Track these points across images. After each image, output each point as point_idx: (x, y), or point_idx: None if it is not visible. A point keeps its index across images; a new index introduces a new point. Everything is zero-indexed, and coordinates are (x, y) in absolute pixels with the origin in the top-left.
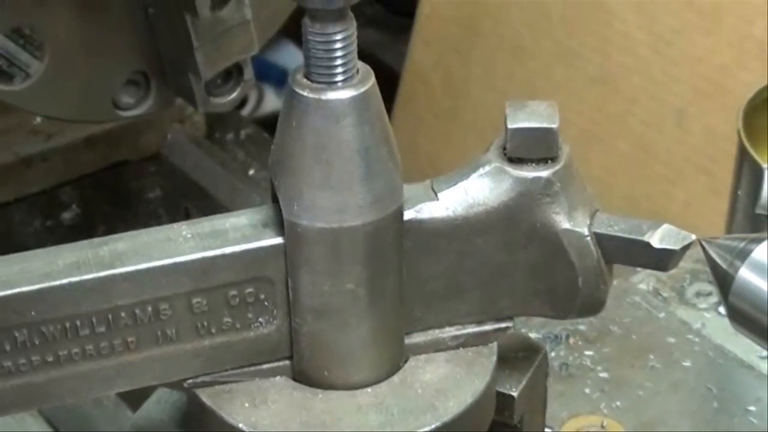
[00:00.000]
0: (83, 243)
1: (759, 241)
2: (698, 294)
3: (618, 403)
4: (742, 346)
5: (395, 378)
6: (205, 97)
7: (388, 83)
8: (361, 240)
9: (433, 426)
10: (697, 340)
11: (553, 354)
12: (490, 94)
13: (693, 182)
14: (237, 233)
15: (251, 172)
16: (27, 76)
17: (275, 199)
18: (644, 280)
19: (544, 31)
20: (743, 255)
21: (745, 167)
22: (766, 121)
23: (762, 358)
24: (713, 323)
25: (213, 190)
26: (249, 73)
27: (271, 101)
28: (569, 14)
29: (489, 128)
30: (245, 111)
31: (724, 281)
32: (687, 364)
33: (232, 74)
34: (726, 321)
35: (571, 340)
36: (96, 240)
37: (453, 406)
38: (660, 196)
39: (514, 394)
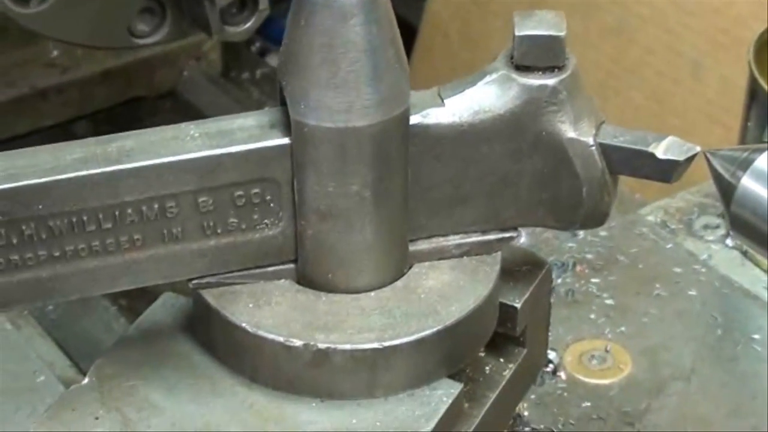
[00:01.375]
0: (91, 140)
1: (761, 150)
2: (706, 226)
3: (622, 329)
4: (748, 276)
5: (399, 283)
6: (220, 25)
7: (406, 38)
8: (366, 141)
9: (435, 329)
10: (703, 270)
11: (559, 281)
12: (508, 46)
13: (708, 134)
14: (244, 133)
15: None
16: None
17: (283, 102)
18: (653, 212)
19: None
20: (745, 164)
21: (755, 99)
22: None
23: (766, 288)
24: (720, 255)
25: None
26: (264, 2)
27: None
28: None
29: None
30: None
31: (726, 191)
32: (692, 293)
33: (246, 3)
34: (733, 252)
35: (578, 268)
36: (104, 137)
37: (455, 311)
38: None
39: (517, 305)
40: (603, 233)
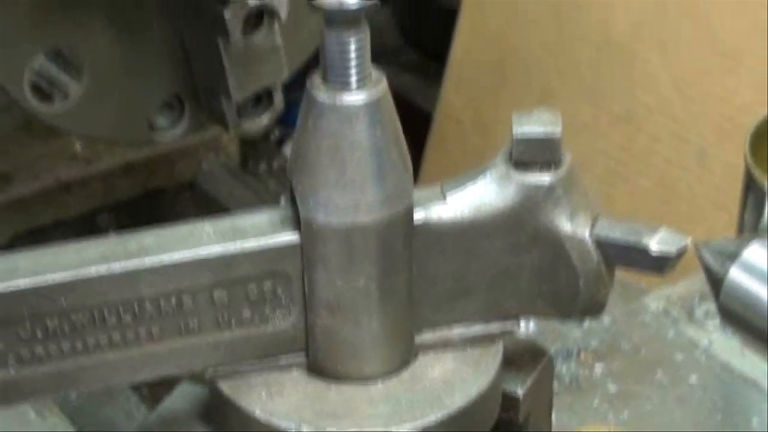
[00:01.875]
0: (112, 237)
1: (749, 242)
2: (707, 314)
3: (625, 415)
4: (748, 363)
5: (405, 372)
6: (236, 120)
7: (423, 126)
8: (372, 237)
9: (439, 417)
10: (703, 357)
11: (564, 368)
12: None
13: (714, 219)
14: (256, 230)
15: (283, 201)
16: (66, 97)
17: (293, 199)
18: (655, 300)
19: (571, 72)
20: (733, 256)
21: (751, 191)
22: None
23: (766, 375)
24: (720, 342)
25: None
26: (279, 98)
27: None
28: (595, 57)
29: None
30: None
31: (715, 282)
32: (693, 379)
33: (262, 99)
34: (733, 340)
35: (582, 356)
36: (124, 234)
37: (458, 400)
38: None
39: (519, 394)
40: (607, 321)
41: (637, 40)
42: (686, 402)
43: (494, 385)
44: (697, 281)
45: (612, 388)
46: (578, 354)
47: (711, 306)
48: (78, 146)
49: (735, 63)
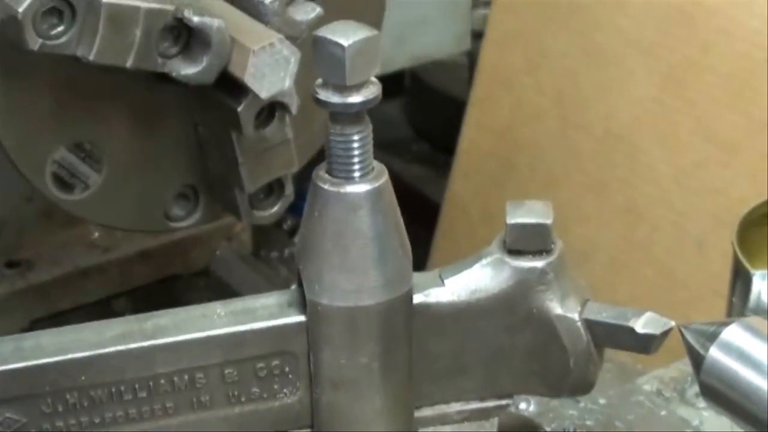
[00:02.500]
0: (129, 318)
1: (728, 324)
2: (698, 395)
3: None
4: None
5: None
6: (249, 210)
7: (432, 216)
8: (374, 318)
9: None
10: None
11: None
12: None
13: (712, 306)
14: (265, 311)
15: (294, 287)
16: (86, 187)
17: (300, 283)
18: (649, 381)
19: (574, 164)
20: (713, 337)
21: (738, 277)
22: (763, 235)
23: None
24: (710, 421)
25: None
26: (289, 188)
27: None
28: (598, 149)
29: None
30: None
31: (696, 361)
32: None
33: (273, 189)
34: (723, 419)
35: None
36: (141, 315)
37: None
38: (682, 319)
39: None
40: (602, 401)
41: (637, 132)
42: None
43: None
44: (689, 363)
45: None
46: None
47: None
48: (96, 234)
49: (731, 156)
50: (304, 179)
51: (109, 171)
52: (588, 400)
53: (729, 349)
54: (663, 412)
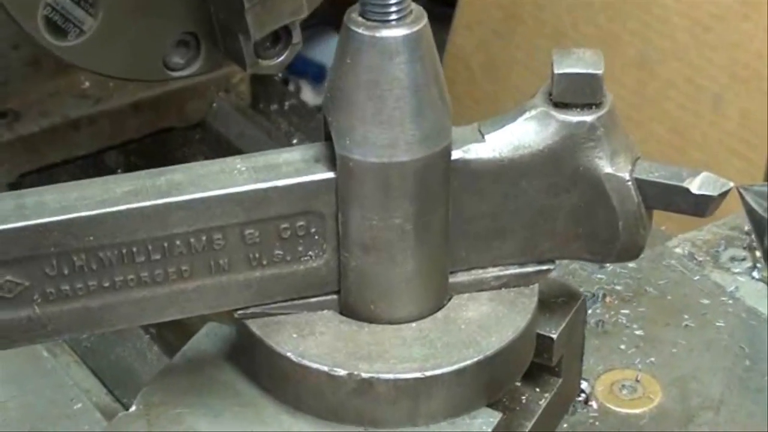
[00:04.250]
0: (140, 173)
1: None
2: (732, 259)
3: (652, 359)
4: None
5: (439, 314)
6: (254, 59)
7: None
8: (410, 176)
9: (475, 359)
10: (730, 302)
11: (589, 312)
12: (530, 78)
13: (728, 166)
14: (290, 167)
15: (294, 141)
16: (81, 33)
17: (327, 137)
18: (680, 244)
19: (584, 16)
20: None
21: None
22: None
23: None
24: (746, 287)
25: None
26: (297, 36)
27: (308, 97)
28: (610, 0)
29: None
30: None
31: (760, 225)
32: (720, 324)
33: (280, 37)
34: (759, 284)
35: (608, 299)
36: (153, 170)
37: (494, 342)
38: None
39: (554, 335)
40: (631, 265)
41: None
42: (713, 347)
43: (530, 327)
44: (722, 226)
45: (638, 332)
46: (604, 298)
47: (737, 251)
48: (87, 83)
49: (751, 8)
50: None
51: (105, 15)
52: (615, 263)
53: None
54: (696, 277)
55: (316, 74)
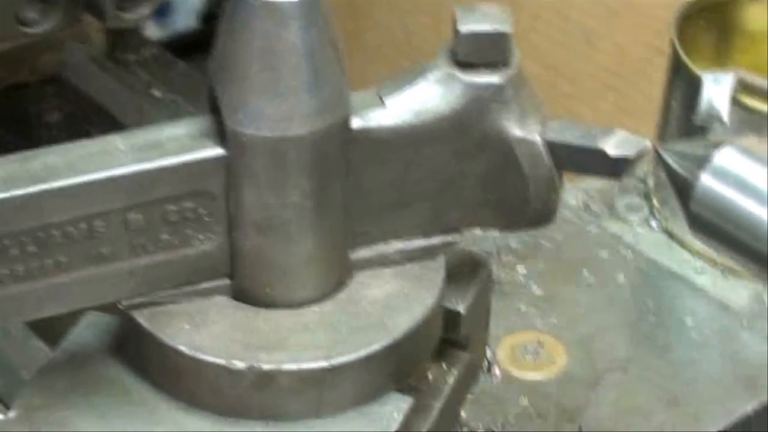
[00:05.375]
0: (12, 157)
1: (719, 146)
2: (628, 207)
3: (554, 320)
4: (675, 259)
5: (341, 294)
6: (114, 11)
7: None
8: (307, 150)
9: (384, 343)
10: (629, 254)
11: None
12: (393, 16)
13: (601, 99)
14: (175, 144)
15: (157, 93)
16: None
17: (214, 110)
18: (573, 194)
19: None
20: (703, 161)
21: (679, 77)
22: (698, 31)
23: (695, 271)
24: (645, 237)
25: (118, 113)
26: None
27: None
28: None
29: (393, 51)
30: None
31: (683, 189)
32: (621, 278)
33: None
34: (658, 234)
35: (503, 257)
36: (27, 153)
37: (402, 322)
38: (568, 115)
39: (461, 309)
40: None
41: None
42: (616, 304)
43: (438, 304)
44: None
45: (537, 291)
46: (498, 255)
47: (632, 199)
48: None
49: None
50: None
51: None
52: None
53: (724, 176)
54: (593, 229)
55: (158, 8)
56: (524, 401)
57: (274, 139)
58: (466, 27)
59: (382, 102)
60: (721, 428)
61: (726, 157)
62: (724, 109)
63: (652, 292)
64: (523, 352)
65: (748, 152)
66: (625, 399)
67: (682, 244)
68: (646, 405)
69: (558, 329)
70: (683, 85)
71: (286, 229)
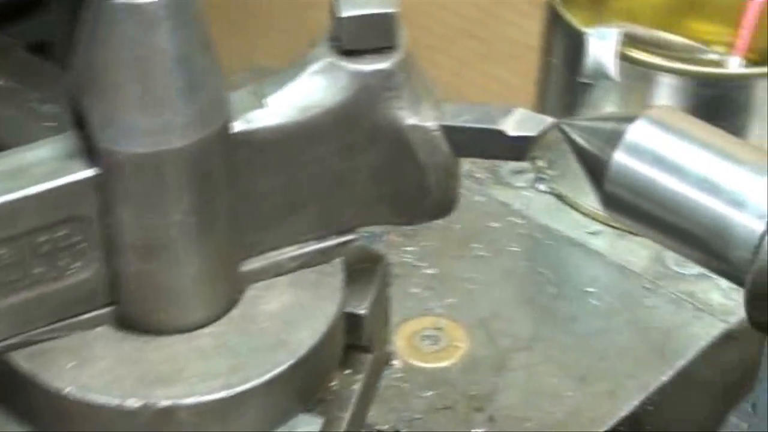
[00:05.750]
0: None
1: (631, 120)
2: (513, 172)
3: (450, 300)
4: (568, 222)
5: (234, 312)
6: None
7: None
8: (187, 163)
9: (287, 363)
10: (520, 221)
11: None
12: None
13: (462, 48)
14: (40, 169)
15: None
16: None
17: (78, 125)
18: None
19: None
20: (614, 137)
21: (558, 32)
22: None
23: (590, 233)
24: (534, 202)
25: None
26: None
27: None
28: None
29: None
30: None
31: (595, 168)
32: (514, 248)
33: None
34: (547, 198)
35: (389, 237)
36: None
37: (305, 337)
38: (428, 65)
39: (363, 312)
40: None
41: None
42: (512, 277)
43: (340, 312)
44: None
45: (429, 270)
46: (383, 236)
47: (515, 163)
48: None
49: None
50: None
51: None
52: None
53: (638, 151)
54: (479, 198)
55: None
56: (429, 393)
57: (150, 155)
58: (347, 11)
59: (263, 101)
60: (638, 403)
61: (639, 132)
62: (610, 64)
63: (549, 260)
64: (422, 339)
65: (661, 124)
66: (534, 380)
67: (573, 206)
68: (557, 385)
69: (455, 310)
70: (563, 41)
71: (169, 250)
